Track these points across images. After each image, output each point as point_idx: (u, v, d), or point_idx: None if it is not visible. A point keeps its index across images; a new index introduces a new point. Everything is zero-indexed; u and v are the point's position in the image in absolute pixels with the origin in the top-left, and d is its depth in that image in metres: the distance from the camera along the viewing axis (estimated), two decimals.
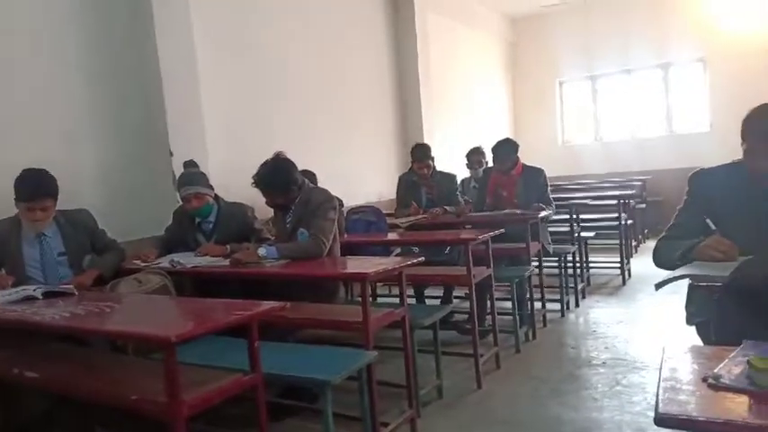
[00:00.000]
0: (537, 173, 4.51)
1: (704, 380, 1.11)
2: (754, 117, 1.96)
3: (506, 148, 4.46)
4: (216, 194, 3.43)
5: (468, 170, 5.62)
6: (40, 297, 2.44)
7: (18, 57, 3.35)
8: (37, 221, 2.82)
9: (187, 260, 3.10)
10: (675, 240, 2.11)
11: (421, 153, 4.73)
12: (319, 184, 3.81)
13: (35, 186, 2.78)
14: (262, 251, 2.96)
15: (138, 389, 1.97)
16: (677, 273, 1.86)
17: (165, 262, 3.10)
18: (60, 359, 2.37)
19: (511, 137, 5.02)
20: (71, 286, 2.59)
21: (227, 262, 3.03)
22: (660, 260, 2.16)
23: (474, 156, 5.51)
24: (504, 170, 4.48)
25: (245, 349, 2.01)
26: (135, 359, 2.44)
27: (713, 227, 2.11)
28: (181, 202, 3.45)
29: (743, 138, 1.99)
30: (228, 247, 3.24)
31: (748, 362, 1.09)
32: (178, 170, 3.78)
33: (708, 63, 8.50)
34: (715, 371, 1.13)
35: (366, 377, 2.45)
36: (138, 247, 3.40)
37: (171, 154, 3.87)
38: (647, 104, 9.06)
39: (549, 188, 4.54)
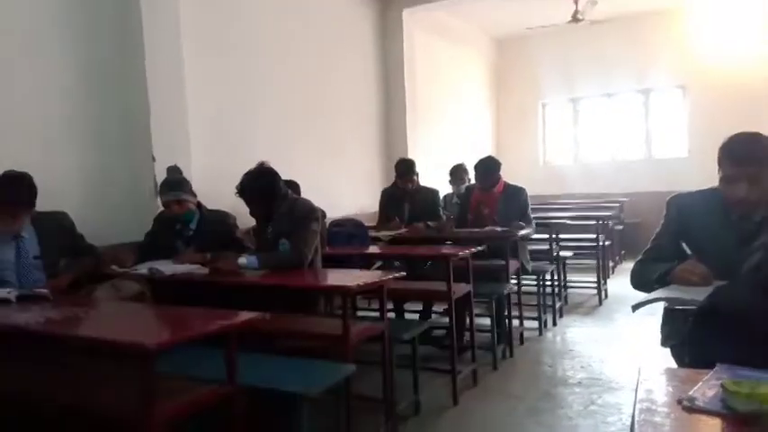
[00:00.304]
0: (518, 191, 4.56)
1: (679, 402, 1.13)
2: (729, 145, 2.01)
3: (489, 166, 4.51)
4: (198, 202, 3.41)
5: (451, 186, 5.65)
6: (14, 300, 2.39)
7: (2, 57, 3.30)
8: (6, 226, 2.73)
9: (166, 267, 3.06)
10: (652, 263, 2.15)
11: (405, 168, 4.76)
12: (302, 195, 3.81)
13: (6, 194, 2.68)
14: (242, 260, 2.94)
15: (111, 397, 1.94)
16: (653, 295, 1.90)
17: (143, 268, 3.06)
18: (31, 364, 2.32)
19: (493, 155, 5.07)
20: (46, 291, 2.54)
21: (206, 270, 3.00)
22: (637, 282, 2.20)
23: (457, 172, 5.54)
24: (485, 187, 4.52)
25: (221, 359, 1.99)
26: (108, 366, 2.39)
27: (688, 251, 2.16)
28: (162, 208, 3.42)
29: (719, 165, 2.04)
30: (208, 255, 3.22)
31: (722, 385, 1.11)
32: (160, 175, 3.75)
33: (687, 90, 8.71)
34: (690, 393, 1.15)
35: (344, 391, 2.44)
36: (117, 252, 3.35)
37: (153, 159, 3.84)
38: (628, 128, 9.24)
39: (529, 207, 4.59)
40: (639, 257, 2.27)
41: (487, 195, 4.54)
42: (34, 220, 2.86)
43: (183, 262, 3.16)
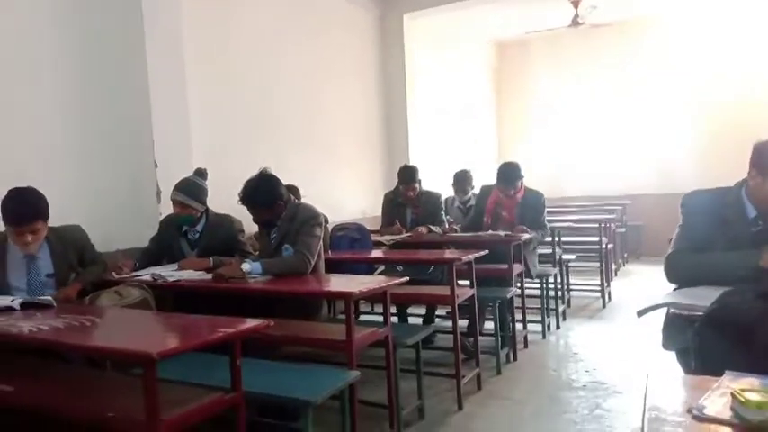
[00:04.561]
0: (538, 196, 4.58)
1: (689, 411, 1.12)
2: None
3: (515, 172, 4.48)
4: (207, 208, 3.41)
5: (455, 193, 5.57)
6: (18, 308, 2.38)
7: (1, 67, 3.30)
8: (28, 244, 2.66)
9: (169, 274, 3.06)
10: (698, 253, 2.13)
11: (408, 176, 4.72)
12: (304, 200, 3.80)
13: (23, 209, 2.60)
14: (246, 266, 2.93)
15: (115, 406, 1.94)
16: (660, 301, 1.90)
17: (146, 275, 3.05)
18: (35, 373, 2.32)
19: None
20: (50, 298, 2.52)
21: (209, 276, 3.00)
22: (686, 273, 2.15)
23: (462, 181, 5.40)
24: (508, 192, 4.50)
25: (226, 366, 1.98)
26: (113, 374, 2.40)
27: None
28: (167, 212, 3.43)
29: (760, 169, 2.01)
30: (211, 260, 3.22)
31: (731, 394, 1.10)
32: (163, 181, 3.76)
33: (688, 93, 8.69)
34: (699, 402, 1.14)
35: (348, 397, 2.43)
36: (116, 259, 3.35)
37: (156, 165, 3.84)
38: (629, 131, 9.22)
39: (545, 211, 4.59)
40: (672, 251, 2.23)
41: (507, 199, 4.52)
42: (48, 237, 2.78)
43: (187, 268, 3.16)
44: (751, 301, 1.83)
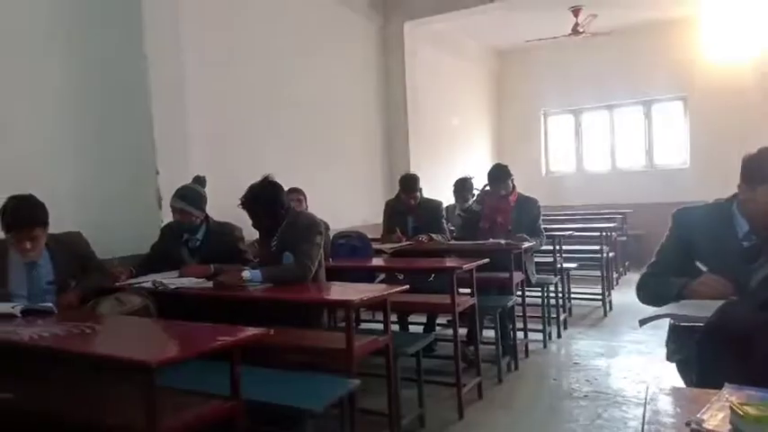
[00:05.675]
0: (532, 202, 4.60)
1: (687, 424, 1.11)
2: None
3: (503, 172, 4.54)
4: (206, 215, 3.42)
5: (456, 201, 5.60)
6: (19, 315, 2.39)
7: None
8: (28, 251, 2.67)
9: (170, 281, 3.06)
10: (661, 277, 2.13)
11: (409, 184, 4.74)
12: (305, 207, 3.82)
13: (22, 215, 2.62)
14: (246, 274, 2.93)
15: (114, 412, 1.94)
16: (661, 311, 1.89)
17: (147, 282, 3.05)
18: (35, 379, 2.31)
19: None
20: (50, 305, 2.53)
21: (210, 284, 3.00)
22: (647, 296, 2.17)
23: (462, 189, 5.47)
24: (496, 196, 4.52)
25: (226, 373, 1.98)
26: (113, 380, 2.39)
27: (703, 268, 2.12)
28: (168, 219, 3.43)
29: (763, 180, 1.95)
30: (212, 267, 3.22)
31: (731, 408, 1.10)
32: (164, 188, 3.77)
33: (688, 101, 8.72)
34: (698, 415, 1.14)
35: (348, 405, 2.42)
36: (112, 266, 3.33)
37: (157, 172, 3.84)
38: (629, 138, 9.25)
39: (541, 219, 4.59)
40: (645, 271, 2.26)
41: (502, 204, 4.53)
42: (48, 244, 2.78)
43: (187, 275, 3.17)
44: (751, 312, 1.83)
